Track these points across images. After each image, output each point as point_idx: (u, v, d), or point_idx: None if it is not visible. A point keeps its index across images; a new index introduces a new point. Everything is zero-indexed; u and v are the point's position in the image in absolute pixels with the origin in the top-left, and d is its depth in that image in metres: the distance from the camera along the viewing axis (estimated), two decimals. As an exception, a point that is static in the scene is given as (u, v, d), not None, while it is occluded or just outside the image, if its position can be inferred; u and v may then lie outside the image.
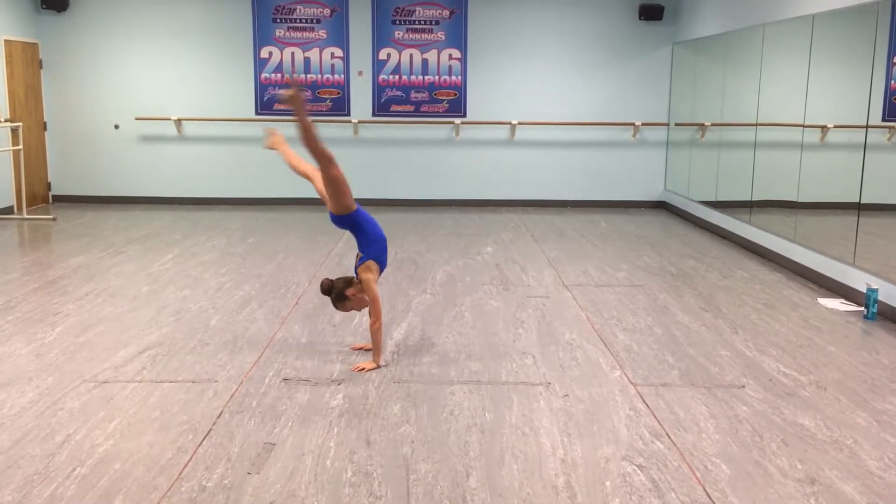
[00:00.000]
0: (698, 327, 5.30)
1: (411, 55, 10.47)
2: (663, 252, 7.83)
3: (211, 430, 3.62)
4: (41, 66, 10.32)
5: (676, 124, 10.45)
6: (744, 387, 4.23)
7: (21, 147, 9.41)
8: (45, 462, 3.27)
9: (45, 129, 10.44)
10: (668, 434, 3.62)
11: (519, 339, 5.01)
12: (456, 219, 9.73)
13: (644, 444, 3.52)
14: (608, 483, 3.17)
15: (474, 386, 4.21)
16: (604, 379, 4.33)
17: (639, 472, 3.26)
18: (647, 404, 3.97)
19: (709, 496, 3.08)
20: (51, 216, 9.40)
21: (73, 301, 5.71)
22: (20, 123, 9.46)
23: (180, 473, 3.20)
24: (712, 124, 9.25)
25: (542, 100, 10.59)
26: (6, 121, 9.41)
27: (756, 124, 7.98)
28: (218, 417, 3.76)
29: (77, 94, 10.43)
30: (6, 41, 9.49)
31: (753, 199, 8.04)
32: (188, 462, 3.30)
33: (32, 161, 10.03)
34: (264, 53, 10.41)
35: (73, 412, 3.78)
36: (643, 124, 10.64)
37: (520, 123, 10.58)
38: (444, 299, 5.94)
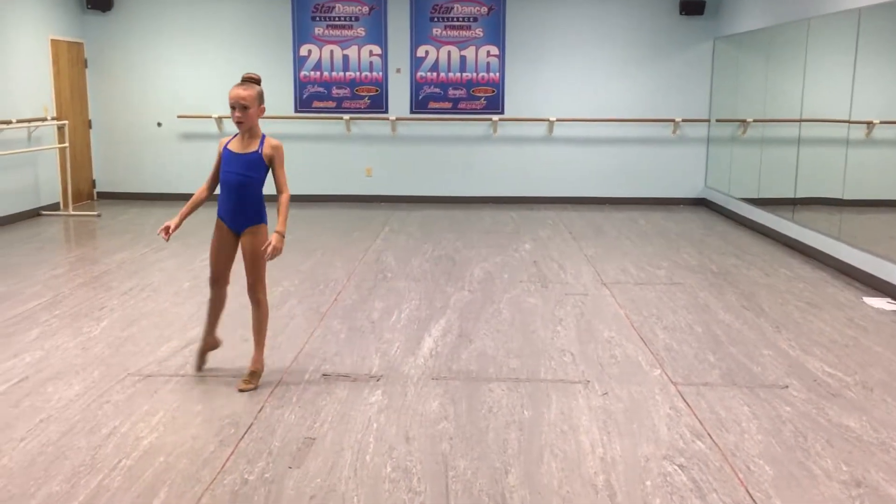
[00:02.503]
0: (740, 326, 5.23)
1: (449, 52, 10.47)
2: (704, 250, 7.74)
3: (252, 424, 3.66)
4: (86, 66, 10.53)
5: (717, 120, 10.31)
6: (787, 387, 4.17)
7: (67, 145, 9.61)
8: (91, 454, 3.34)
9: (90, 127, 10.65)
10: (709, 434, 3.58)
11: (557, 337, 4.99)
12: (493, 216, 9.72)
13: (685, 443, 3.49)
14: (648, 482, 3.14)
15: (513, 383, 4.20)
16: (643, 377, 4.30)
17: (680, 471, 3.23)
18: (687, 404, 3.93)
19: (751, 497, 3.04)
20: (95, 213, 9.58)
21: (118, 296, 5.82)
22: (66, 122, 9.66)
23: (223, 466, 3.25)
24: (754, 120, 9.11)
25: (580, 96, 10.53)
26: (53, 119, 9.61)
27: (800, 120, 7.84)
28: (259, 412, 3.80)
29: (121, 92, 10.62)
30: (52, 41, 9.69)
31: (797, 196, 7.90)
32: (230, 455, 3.35)
33: (78, 159, 10.23)
34: (303, 51, 10.49)
35: (119, 405, 3.86)
36: (683, 120, 10.52)
37: (558, 120, 10.52)
38: (482, 296, 5.94)
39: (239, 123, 3.92)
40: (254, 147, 4.00)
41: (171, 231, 3.97)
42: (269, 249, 3.93)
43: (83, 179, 10.50)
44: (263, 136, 4.02)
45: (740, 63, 9.58)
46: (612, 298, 5.89)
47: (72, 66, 10.18)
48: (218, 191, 4.16)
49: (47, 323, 5.17)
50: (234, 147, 4.02)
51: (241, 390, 4.03)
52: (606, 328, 5.17)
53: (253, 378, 4.12)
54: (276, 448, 3.42)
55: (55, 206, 9.71)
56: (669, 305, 5.71)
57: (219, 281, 4.23)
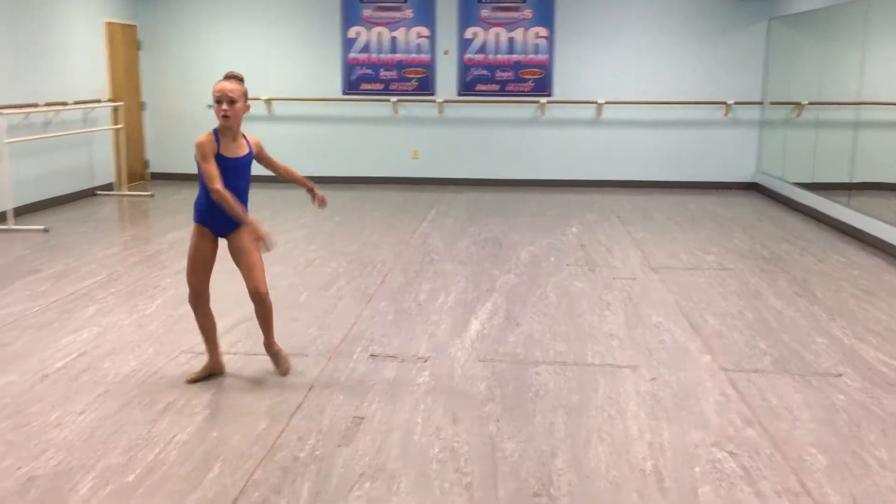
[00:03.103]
0: (792, 313, 5.14)
1: (497, 34, 10.41)
2: (755, 235, 7.60)
3: (302, 402, 3.72)
4: (139, 48, 10.70)
5: (771, 103, 10.09)
6: (841, 375, 4.09)
7: (121, 126, 9.80)
8: (147, 428, 3.43)
9: (142, 108, 10.84)
10: (760, 422, 3.54)
11: (605, 321, 4.97)
12: (540, 199, 9.67)
13: (735, 430, 3.45)
14: (697, 469, 3.12)
15: (560, 367, 4.20)
16: (692, 364, 4.26)
17: (729, 458, 3.20)
18: (737, 391, 3.89)
19: (803, 486, 3.00)
20: (149, 193, 9.78)
21: (171, 275, 5.93)
22: (121, 103, 9.85)
23: (274, 443, 3.31)
24: (810, 103, 8.89)
25: (630, 78, 10.38)
26: (108, 101, 9.81)
27: (858, 103, 7.63)
28: (309, 390, 3.86)
29: (172, 74, 10.78)
30: (107, 23, 9.87)
31: (853, 181, 7.71)
32: (281, 432, 3.41)
33: (131, 139, 10.43)
34: (352, 33, 10.52)
35: (173, 381, 3.95)
36: (735, 103, 10.31)
37: (607, 103, 10.40)
38: (529, 279, 5.93)
39: (225, 118, 3.67)
40: (243, 148, 3.85)
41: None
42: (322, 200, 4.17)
43: (136, 160, 10.71)
44: (243, 133, 3.88)
45: (796, 44, 9.34)
46: (661, 283, 5.83)
47: (126, 48, 10.36)
48: (196, 196, 3.88)
49: (104, 300, 5.30)
50: (228, 153, 3.76)
51: (284, 374, 4.02)
52: (655, 313, 5.13)
53: (281, 360, 4.05)
54: (326, 426, 3.48)
55: (109, 187, 9.92)
56: (719, 291, 5.63)
57: (202, 295, 3.93)
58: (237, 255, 3.88)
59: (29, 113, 8.21)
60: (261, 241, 3.73)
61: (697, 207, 9.13)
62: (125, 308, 5.16)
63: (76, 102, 9.08)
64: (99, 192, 9.67)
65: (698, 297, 5.49)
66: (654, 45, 10.32)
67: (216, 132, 3.76)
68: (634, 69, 10.37)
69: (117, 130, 9.78)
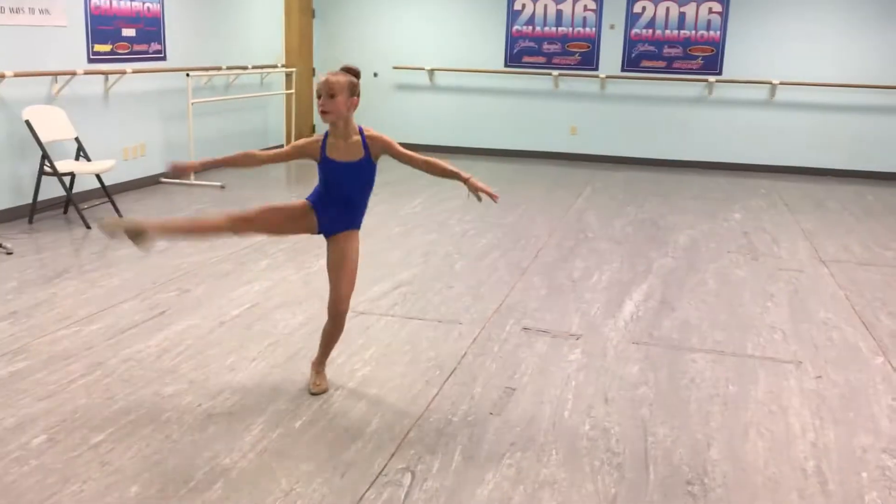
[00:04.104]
0: (981, 320, 4.73)
1: (668, 8, 10.06)
2: (941, 233, 7.03)
3: (456, 368, 3.82)
4: (314, 16, 11.14)
5: (970, 89, 9.22)
6: None
7: (293, 91, 10.27)
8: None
9: (313, 74, 11.30)
10: (937, 432, 3.31)
11: (767, 313, 4.77)
12: (702, 182, 9.34)
13: (909, 439, 3.25)
14: (864, 474, 2.96)
15: (717, 356, 4.08)
16: (863, 364, 4.02)
17: (901, 468, 3.02)
18: (913, 397, 3.64)
19: (985, 506, 2.79)
20: (314, 156, 10.21)
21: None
22: (294, 69, 10.31)
23: (428, 405, 3.43)
24: None
25: (809, 58, 9.77)
26: (282, 66, 10.30)
27: None
28: (462, 358, 3.96)
29: (343, 42, 11.16)
30: (286, -8, 10.34)
31: None
32: (435, 396, 3.52)
33: (301, 104, 10.92)
34: (517, 6, 10.48)
35: (336, 337, 4.15)
36: (928, 88, 9.50)
37: (781, 83, 9.85)
38: (687, 264, 5.77)
39: (323, 113, 3.28)
40: (358, 151, 3.34)
41: (185, 169, 3.52)
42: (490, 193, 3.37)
43: (305, 124, 11.20)
44: (361, 130, 3.36)
45: None
46: (831, 277, 5.51)
47: (301, 15, 10.81)
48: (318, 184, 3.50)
49: (274, 256, 5.63)
50: (336, 155, 3.34)
51: (313, 393, 3.51)
52: (823, 308, 4.87)
53: (321, 379, 3.58)
54: (478, 394, 3.56)
55: (280, 148, 10.43)
56: (897, 290, 5.27)
57: (240, 230, 3.47)
58: (334, 261, 3.45)
59: (213, 76, 8.76)
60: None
61: (877, 199, 8.53)
62: (293, 264, 5.45)
63: (254, 67, 9.59)
64: (269, 154, 10.19)
65: (872, 294, 5.16)
66: (839, 22, 9.64)
67: (327, 133, 3.38)
68: (815, 48, 9.74)
69: (289, 95, 10.26)
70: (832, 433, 3.28)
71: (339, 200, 3.41)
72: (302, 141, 3.46)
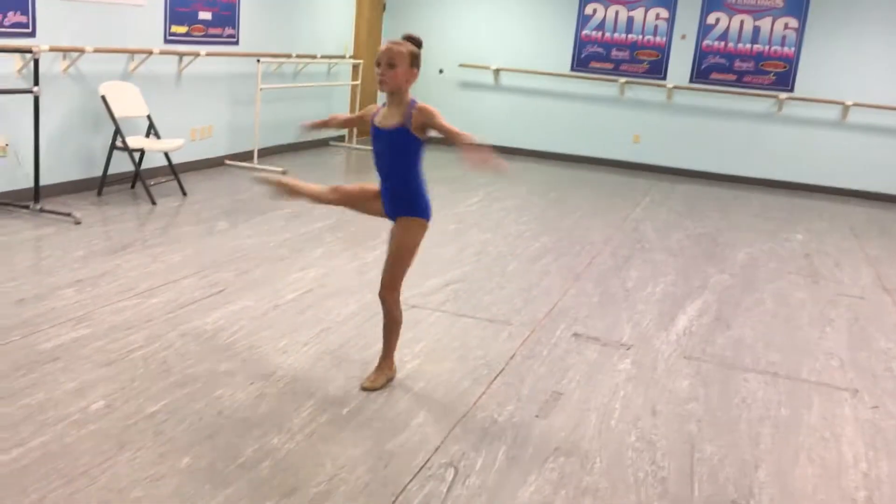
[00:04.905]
0: None
1: (742, 21, 9.88)
2: None
3: (504, 369, 3.83)
4: (384, 9, 11.23)
5: None
6: None
7: (359, 83, 10.37)
8: (362, 367, 3.68)
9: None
10: None
11: (825, 338, 4.66)
12: (764, 200, 9.16)
13: (966, 479, 3.15)
14: (917, 511, 2.89)
15: (770, 377, 4.01)
16: (923, 398, 3.91)
17: (956, 507, 2.93)
18: (974, 436, 3.53)
19: None
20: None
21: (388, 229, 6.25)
22: (361, 61, 10.41)
23: (475, 403, 3.44)
24: None
25: (884, 80, 9.50)
26: (349, 57, 10.41)
27: None
28: (511, 358, 3.96)
29: (411, 37, 11.21)
30: (358, -15, 10.45)
31: None
32: (482, 394, 3.53)
33: (366, 96, 11.01)
34: (588, 10, 10.41)
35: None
36: None
37: (854, 104, 9.60)
38: (744, 282, 5.68)
39: (381, 83, 3.21)
40: (398, 118, 3.24)
41: (313, 126, 3.75)
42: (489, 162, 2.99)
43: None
44: (413, 103, 3.24)
45: None
46: (894, 307, 5.37)
47: (372, 9, 10.91)
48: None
49: (330, 244, 5.70)
50: (381, 122, 3.31)
51: (363, 388, 3.47)
52: (884, 338, 4.74)
53: (379, 378, 3.53)
54: (525, 395, 3.56)
55: (341, 139, 10.56)
56: (963, 325, 5.10)
57: (331, 200, 3.58)
58: (389, 248, 3.52)
59: (282, 63, 8.91)
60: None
61: (946, 230, 8.26)
62: (348, 254, 5.52)
63: (322, 56, 9.71)
64: (332, 143, 10.33)
65: (937, 327, 5.01)
66: (920, 47, 9.36)
67: (384, 104, 3.37)
68: (890, 71, 9.47)
69: (354, 86, 10.37)
70: (886, 465, 3.20)
71: (382, 174, 3.40)
72: (366, 108, 3.50)
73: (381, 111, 3.35)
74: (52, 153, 6.25)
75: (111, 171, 6.59)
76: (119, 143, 6.44)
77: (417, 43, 3.28)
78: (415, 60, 3.25)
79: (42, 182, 5.95)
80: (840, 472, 3.12)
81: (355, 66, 10.39)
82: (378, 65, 3.21)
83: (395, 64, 3.19)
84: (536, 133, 10.81)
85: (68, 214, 5.70)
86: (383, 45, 3.23)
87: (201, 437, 2.96)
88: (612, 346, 4.25)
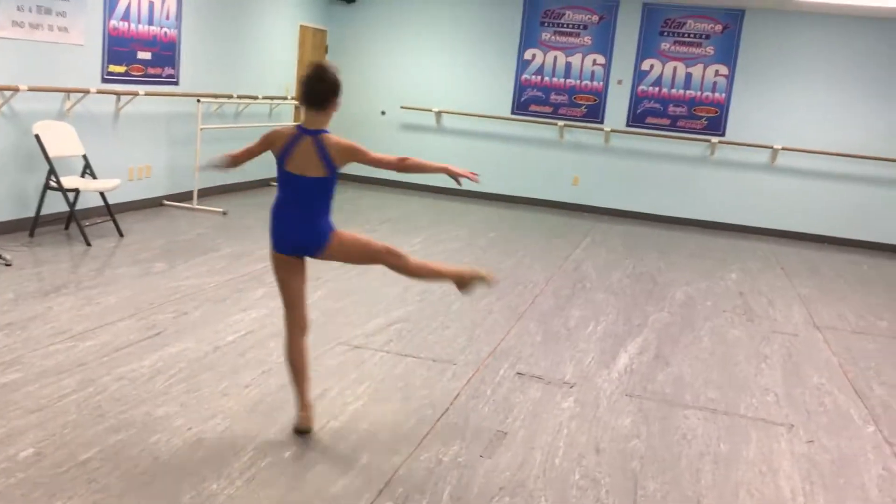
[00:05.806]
0: (973, 395, 4.74)
1: (675, 68, 10.23)
2: (935, 306, 7.07)
3: (448, 408, 3.81)
4: (326, 51, 11.29)
5: (968, 167, 9.35)
6: None
7: (301, 123, 10.35)
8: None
9: (321, 109, 11.40)
10: (927, 505, 3.30)
11: (761, 375, 4.77)
12: (700, 240, 9.40)
13: (898, 510, 3.24)
14: (853, 543, 2.95)
15: (710, 414, 4.08)
16: (855, 432, 4.02)
17: (890, 538, 3.01)
18: (904, 468, 3.64)
19: (973, 582, 2.78)
20: (317, 189, 10.26)
21: (334, 269, 6.20)
22: (303, 102, 10.40)
23: (419, 443, 3.41)
24: None
25: (811, 126, 9.91)
26: (291, 98, 10.40)
27: None
28: (455, 398, 3.95)
29: (354, 79, 11.27)
30: (301, 26, 10.49)
31: None
32: (427, 434, 3.51)
33: (308, 137, 11.00)
34: (528, 55, 10.65)
35: (330, 370, 4.14)
36: (927, 163, 9.63)
37: (783, 149, 9.98)
38: (682, 320, 5.79)
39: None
40: (318, 165, 3.58)
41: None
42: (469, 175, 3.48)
43: (309, 157, 11.27)
44: (327, 138, 3.61)
45: None
46: (825, 344, 5.53)
47: (314, 51, 10.96)
48: None
49: (272, 284, 5.58)
50: (297, 166, 3.63)
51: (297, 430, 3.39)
52: (816, 373, 4.88)
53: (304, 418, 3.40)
54: (470, 435, 3.54)
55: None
56: (891, 360, 5.28)
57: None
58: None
59: (223, 103, 8.85)
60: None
61: (872, 269, 8.59)
62: (290, 295, 5.44)
63: (264, 97, 9.69)
64: (273, 183, 10.25)
65: (866, 363, 5.18)
66: (843, 93, 9.81)
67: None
68: (818, 116, 9.89)
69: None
70: (822, 499, 3.27)
71: (297, 205, 3.61)
72: (268, 136, 3.66)
73: (294, 152, 3.47)
74: (-18, 193, 6.06)
75: (44, 211, 6.41)
76: (53, 183, 6.29)
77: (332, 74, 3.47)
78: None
79: (-29, 222, 5.76)
80: (779, 506, 3.17)
81: (297, 108, 10.39)
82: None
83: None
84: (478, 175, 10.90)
85: (-2, 256, 5.52)
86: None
87: (137, 485, 2.86)
88: (555, 385, 4.27)
